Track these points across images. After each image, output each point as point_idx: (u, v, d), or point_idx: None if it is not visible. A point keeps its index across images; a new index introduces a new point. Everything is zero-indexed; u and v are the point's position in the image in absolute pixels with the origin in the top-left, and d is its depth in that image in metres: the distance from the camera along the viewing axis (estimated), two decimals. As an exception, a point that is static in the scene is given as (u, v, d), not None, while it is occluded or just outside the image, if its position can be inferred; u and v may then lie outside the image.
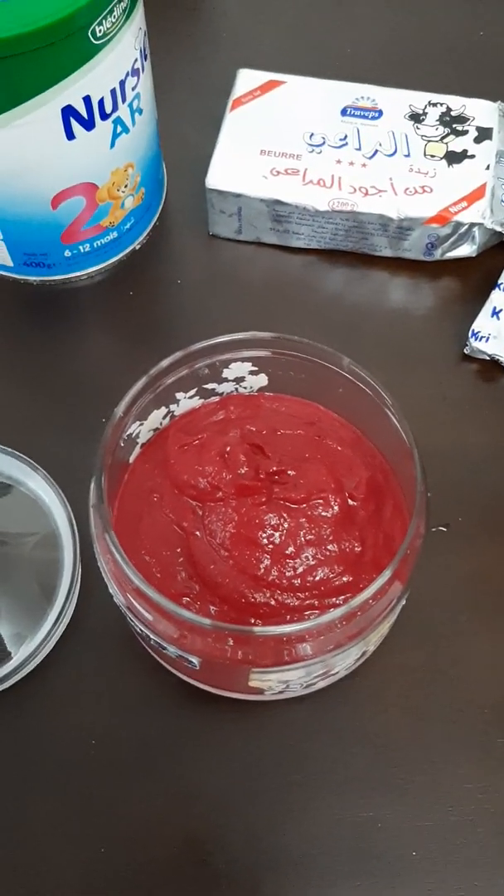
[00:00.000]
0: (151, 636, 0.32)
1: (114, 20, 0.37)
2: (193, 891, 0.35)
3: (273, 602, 0.34)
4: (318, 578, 0.35)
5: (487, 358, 0.45)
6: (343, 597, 0.35)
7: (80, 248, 0.45)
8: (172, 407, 0.38)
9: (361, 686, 0.38)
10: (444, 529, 0.41)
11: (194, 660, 0.32)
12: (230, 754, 0.37)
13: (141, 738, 0.37)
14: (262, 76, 0.49)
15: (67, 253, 0.45)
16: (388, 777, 0.37)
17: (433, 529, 0.41)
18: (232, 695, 0.36)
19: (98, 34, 0.36)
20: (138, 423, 0.37)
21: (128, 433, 0.36)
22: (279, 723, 0.37)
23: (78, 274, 0.47)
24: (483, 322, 0.45)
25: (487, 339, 0.44)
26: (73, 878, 0.35)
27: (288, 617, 0.34)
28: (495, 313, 0.45)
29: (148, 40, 0.42)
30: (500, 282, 0.46)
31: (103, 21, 0.36)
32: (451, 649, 0.39)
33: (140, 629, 0.33)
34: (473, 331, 0.45)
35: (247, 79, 0.49)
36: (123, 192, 0.44)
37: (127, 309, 0.47)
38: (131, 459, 0.38)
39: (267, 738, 0.37)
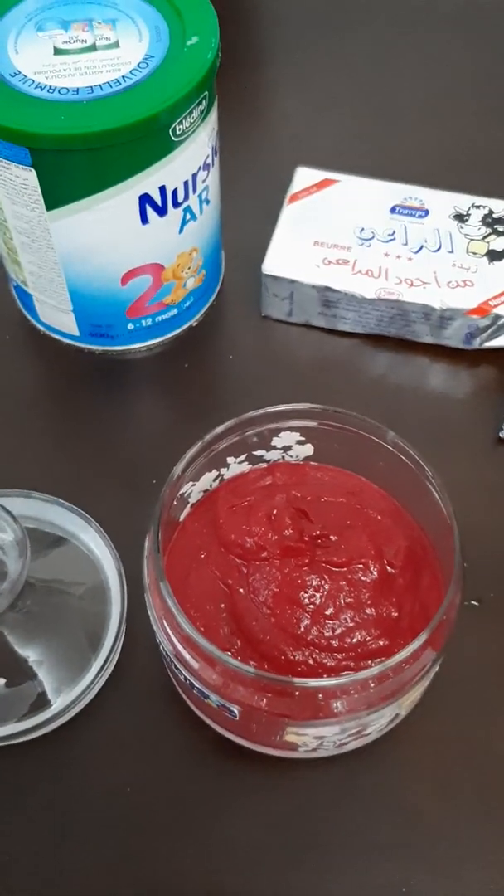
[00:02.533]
0: (196, 684, 0.34)
1: (192, 120, 0.41)
2: None
3: (311, 661, 0.36)
4: (355, 640, 0.36)
5: (522, 443, 0.47)
6: (378, 660, 0.36)
7: (143, 322, 0.49)
8: (223, 470, 0.41)
9: (393, 751, 0.39)
10: (477, 604, 0.43)
11: (235, 709, 0.33)
12: (261, 813, 0.38)
13: (175, 791, 0.38)
14: (319, 174, 0.53)
15: (130, 326, 0.49)
16: (416, 843, 0.37)
17: (466, 603, 0.42)
18: (267, 750, 0.37)
19: (178, 132, 0.40)
20: (191, 483, 0.39)
21: (180, 493, 0.39)
22: (310, 783, 0.38)
23: (138, 346, 0.50)
24: (519, 409, 0.47)
25: (523, 424, 0.47)
26: (102, 924, 0.36)
27: (324, 676, 0.36)
28: (531, 401, 0.47)
29: (218, 138, 0.47)
30: (536, 372, 0.48)
31: (183, 121, 0.40)
32: (482, 721, 0.40)
33: (185, 677, 0.34)
34: (509, 416, 0.47)
35: (304, 176, 0.53)
36: (187, 273, 0.48)
37: (182, 380, 0.50)
38: (182, 518, 0.40)
39: (297, 798, 0.38)
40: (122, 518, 0.41)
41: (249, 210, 0.56)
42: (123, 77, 0.40)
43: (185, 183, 0.43)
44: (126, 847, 0.37)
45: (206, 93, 0.41)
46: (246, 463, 0.41)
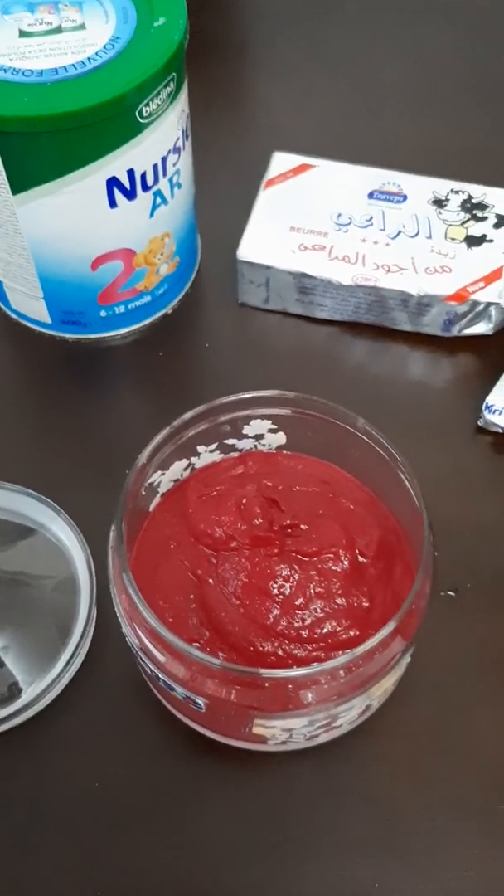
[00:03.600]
0: (161, 676, 0.33)
1: (160, 102, 0.40)
2: (187, 942, 0.35)
3: (280, 652, 0.35)
4: (325, 631, 0.35)
5: (501, 430, 0.46)
6: (349, 650, 0.35)
7: (116, 309, 0.48)
8: (193, 459, 0.40)
9: (365, 745, 0.38)
10: (453, 594, 0.42)
11: (200, 701, 0.33)
12: (232, 807, 0.37)
13: (145, 785, 0.38)
14: (296, 159, 0.53)
15: (103, 313, 0.48)
16: (389, 838, 0.37)
17: (442, 594, 0.42)
18: (236, 743, 0.37)
19: (145, 114, 0.40)
20: (160, 472, 0.38)
21: (149, 482, 0.38)
22: (282, 777, 0.38)
23: (112, 334, 0.49)
24: (497, 396, 0.46)
25: (501, 412, 0.46)
26: (69, 921, 0.35)
27: (294, 667, 0.35)
28: (509, 388, 0.46)
29: (190, 122, 0.46)
30: (515, 359, 0.48)
31: (150, 102, 0.39)
32: (455, 715, 0.39)
33: (150, 669, 0.34)
34: (487, 404, 0.46)
35: (281, 161, 0.53)
36: (159, 259, 0.47)
37: (156, 369, 0.50)
38: (151, 508, 0.40)
39: (269, 792, 0.38)
40: (94, 508, 0.40)
41: (227, 196, 0.55)
42: (89, 59, 0.39)
43: (155, 166, 0.42)
44: (96, 842, 0.37)
45: (174, 74, 0.40)
46: (217, 452, 0.41)
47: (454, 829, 0.37)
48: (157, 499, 0.40)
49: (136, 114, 0.39)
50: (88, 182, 0.40)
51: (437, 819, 0.37)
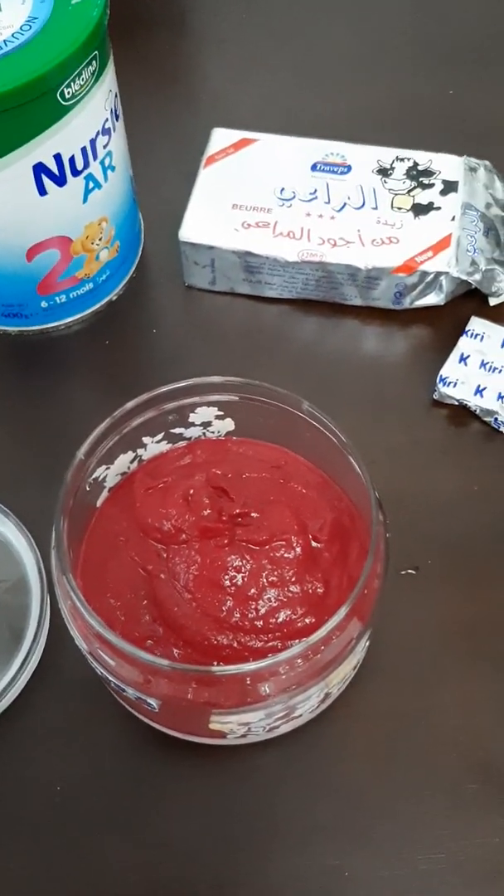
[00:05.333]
0: (111, 678, 0.32)
1: (83, 82, 0.38)
2: (156, 943, 0.34)
3: (236, 644, 0.34)
4: (280, 620, 0.35)
5: (456, 403, 0.45)
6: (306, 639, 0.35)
7: (57, 299, 0.47)
8: (140, 451, 0.39)
9: (327, 732, 0.38)
10: (414, 572, 0.41)
11: (153, 702, 0.32)
12: (196, 802, 0.37)
13: (108, 785, 0.37)
14: (236, 134, 0.51)
15: (44, 304, 0.46)
16: (355, 825, 0.36)
17: (402, 572, 0.41)
18: (195, 739, 0.36)
19: (67, 96, 0.38)
20: (105, 467, 0.37)
21: (94, 477, 0.37)
22: (245, 769, 0.37)
23: (55, 324, 0.48)
24: (451, 368, 0.46)
25: (455, 384, 0.45)
26: (34, 928, 0.35)
27: (251, 659, 0.34)
28: (463, 359, 0.46)
29: (125, 99, 0.44)
30: (467, 329, 0.47)
31: (72, 83, 0.38)
32: (419, 695, 0.39)
33: (101, 672, 0.33)
34: (441, 376, 0.45)
35: (220, 137, 0.51)
36: (98, 245, 0.45)
37: (103, 358, 0.48)
38: (98, 503, 0.39)
39: (233, 785, 0.37)
40: (43, 507, 0.39)
41: (168, 176, 0.54)
42: (5, 41, 0.38)
43: (84, 150, 0.41)
44: (60, 845, 0.36)
45: (96, 53, 0.39)
46: (164, 442, 0.40)
47: (422, 811, 0.36)
48: (105, 494, 0.39)
49: (59, 96, 0.38)
50: (14, 170, 0.39)
51: (404, 802, 0.36)
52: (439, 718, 0.38)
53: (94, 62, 0.39)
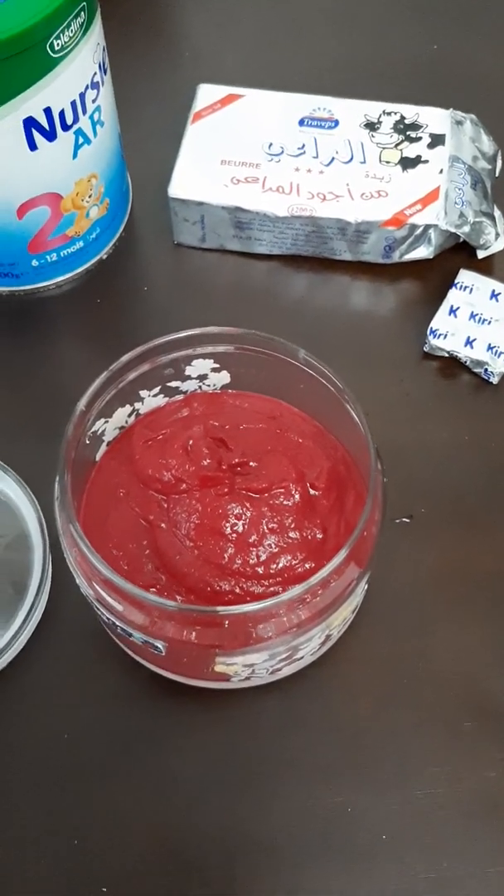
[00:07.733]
0: (118, 624, 0.33)
1: (71, 34, 0.38)
2: (167, 881, 0.35)
3: (238, 590, 0.35)
4: (280, 566, 0.35)
5: (446, 355, 0.46)
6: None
7: (47, 257, 0.46)
8: (137, 405, 0.39)
9: (328, 675, 0.38)
10: (408, 521, 0.42)
11: (160, 645, 0.33)
12: (201, 746, 0.37)
13: (113, 732, 0.38)
14: (222, 90, 0.51)
15: (35, 263, 0.46)
16: (357, 763, 0.37)
17: (397, 521, 0.42)
18: (199, 683, 0.37)
19: (56, 48, 0.38)
20: (103, 420, 0.38)
21: (93, 430, 0.37)
22: (248, 712, 0.38)
23: (46, 283, 0.48)
24: (441, 320, 0.46)
25: (445, 336, 0.46)
26: (45, 869, 0.35)
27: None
28: (452, 311, 0.46)
29: (108, 56, 0.44)
30: (456, 281, 0.47)
31: (61, 35, 0.38)
32: (416, 638, 0.39)
33: (107, 618, 0.34)
34: (432, 328, 0.46)
35: (207, 93, 0.51)
36: (88, 202, 0.45)
37: (95, 316, 0.48)
38: (98, 457, 0.39)
39: (236, 728, 0.38)
40: (42, 462, 0.40)
41: (155, 132, 0.54)
42: (-8, -9, 0.37)
43: (73, 103, 0.40)
44: (66, 792, 0.37)
45: (84, 4, 0.38)
46: (161, 396, 0.40)
47: (421, 748, 0.37)
48: (104, 447, 0.39)
49: (48, 47, 0.37)
50: (5, 124, 0.39)
51: (404, 741, 0.37)
52: (435, 660, 0.39)
53: (82, 13, 0.38)
